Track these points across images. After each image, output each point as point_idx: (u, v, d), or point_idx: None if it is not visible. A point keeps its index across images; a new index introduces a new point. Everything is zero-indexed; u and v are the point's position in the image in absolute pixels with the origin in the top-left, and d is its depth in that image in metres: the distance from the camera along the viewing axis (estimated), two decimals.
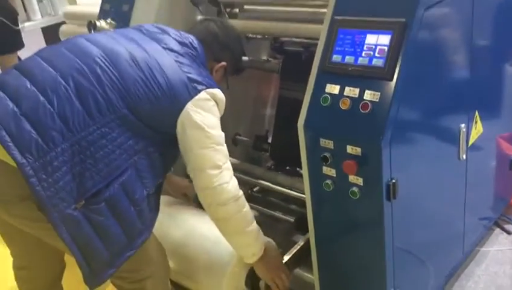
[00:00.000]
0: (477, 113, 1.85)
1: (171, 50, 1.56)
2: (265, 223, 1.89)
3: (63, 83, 1.38)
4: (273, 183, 2.28)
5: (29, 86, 1.37)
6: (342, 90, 1.45)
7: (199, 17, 2.27)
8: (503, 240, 2.32)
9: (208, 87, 1.53)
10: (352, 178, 1.47)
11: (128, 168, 1.42)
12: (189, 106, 1.49)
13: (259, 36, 2.41)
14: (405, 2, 1.40)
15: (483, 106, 1.90)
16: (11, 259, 1.72)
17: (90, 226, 1.37)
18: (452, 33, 1.62)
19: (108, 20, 2.18)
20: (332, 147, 1.48)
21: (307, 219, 1.71)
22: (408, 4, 1.38)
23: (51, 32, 4.00)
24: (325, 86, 1.48)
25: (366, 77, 1.42)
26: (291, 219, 2.22)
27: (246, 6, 2.24)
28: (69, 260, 1.73)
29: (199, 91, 1.51)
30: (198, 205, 1.72)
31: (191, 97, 1.49)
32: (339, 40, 1.48)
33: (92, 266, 1.41)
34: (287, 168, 2.49)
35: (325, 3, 1.71)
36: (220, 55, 1.75)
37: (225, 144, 1.58)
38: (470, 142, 1.85)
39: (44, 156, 1.30)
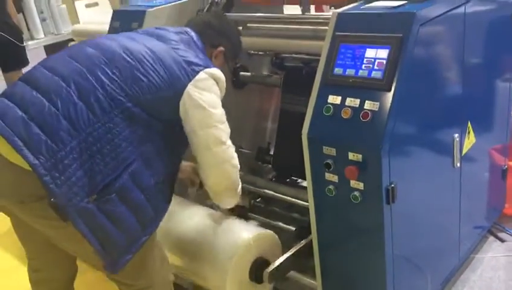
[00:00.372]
0: (469, 124, 1.95)
1: (167, 40, 1.64)
2: None
3: (65, 86, 1.46)
4: (275, 193, 2.36)
5: (34, 93, 1.46)
6: (343, 100, 1.55)
7: None
8: (497, 247, 2.41)
9: (205, 67, 1.59)
10: (353, 183, 1.56)
11: (135, 159, 1.48)
12: (190, 88, 1.55)
13: (261, 52, 2.52)
14: (402, 19, 1.51)
15: (476, 118, 2.00)
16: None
17: (105, 216, 1.44)
18: (445, 48, 1.73)
19: None
20: (334, 154, 1.57)
21: (307, 228, 1.80)
22: (404, 21, 1.49)
23: (53, 50, 4.10)
24: (328, 96, 1.58)
25: (366, 88, 1.52)
26: (293, 228, 2.29)
27: (249, 24, 2.35)
28: (79, 265, 1.82)
29: (197, 72, 1.57)
30: (203, 192, 1.83)
31: (190, 79, 1.56)
32: (340, 54, 1.58)
33: (111, 253, 1.48)
34: (288, 180, 2.58)
35: (325, 21, 1.83)
36: (217, 40, 1.81)
37: (227, 122, 1.65)
38: (464, 152, 1.95)
39: (55, 156, 1.38)
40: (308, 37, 2.11)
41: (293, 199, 2.25)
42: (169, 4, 2.30)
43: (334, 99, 1.57)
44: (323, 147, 1.58)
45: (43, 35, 4.30)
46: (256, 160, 2.66)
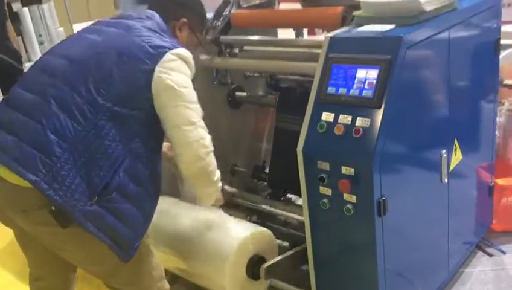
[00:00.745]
0: (456, 141, 2.05)
1: (131, 28, 1.66)
2: None
3: (44, 102, 1.53)
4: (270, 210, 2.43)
5: (20, 116, 1.54)
6: (336, 117, 1.64)
7: (201, 56, 2.48)
8: (485, 261, 2.48)
9: (171, 49, 1.61)
10: (346, 196, 1.64)
11: (126, 156, 1.54)
12: (158, 70, 1.57)
13: (256, 74, 2.63)
14: (390, 42, 1.61)
15: (462, 136, 2.10)
16: None
17: (110, 214, 1.52)
18: (431, 69, 1.84)
19: None
20: (328, 169, 1.65)
21: (301, 243, 1.87)
22: (392, 44, 1.60)
23: None
24: (321, 114, 1.67)
25: (358, 106, 1.61)
26: (286, 244, 2.36)
27: (245, 47, 2.45)
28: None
29: (163, 54, 1.59)
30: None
31: (157, 62, 1.58)
32: (333, 74, 1.68)
33: (122, 245, 1.56)
34: (282, 198, 2.66)
35: (317, 44, 1.93)
36: (178, 13, 1.81)
37: (198, 103, 1.66)
38: (451, 168, 2.04)
39: (52, 170, 1.46)
40: (302, 59, 2.20)
41: (289, 214, 2.32)
42: None
43: (328, 116, 1.66)
44: (318, 161, 1.67)
45: None
46: (252, 178, 2.74)
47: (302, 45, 2.33)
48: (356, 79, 1.64)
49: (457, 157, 2.08)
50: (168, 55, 1.60)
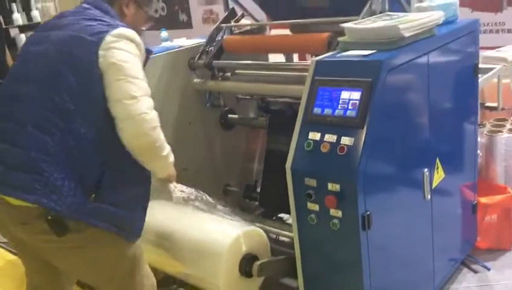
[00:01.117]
0: (438, 160, 2.14)
1: (68, 26, 1.69)
2: None
3: (19, 127, 1.61)
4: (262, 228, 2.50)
5: (2, 145, 1.64)
6: (322, 136, 1.73)
7: (195, 80, 2.58)
8: (470, 278, 2.55)
9: (109, 31, 1.62)
10: (333, 211, 1.72)
11: (107, 148, 1.61)
12: (100, 54, 1.59)
13: (248, 97, 2.73)
14: (371, 65, 1.72)
15: (444, 155, 2.19)
16: None
17: (109, 205, 1.62)
18: (412, 91, 1.95)
19: None
20: (315, 185, 1.74)
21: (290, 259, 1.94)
22: (374, 67, 1.70)
23: None
24: (308, 133, 1.76)
25: (342, 125, 1.71)
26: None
27: (237, 71, 2.56)
28: None
29: (103, 38, 1.60)
30: None
31: (99, 46, 1.60)
32: (319, 95, 1.78)
33: (125, 228, 1.69)
34: (274, 218, 2.74)
35: (305, 67, 2.04)
36: None
37: (143, 80, 1.64)
38: (434, 185, 2.13)
39: (47, 184, 1.55)
40: (291, 82, 2.31)
41: (280, 231, 2.40)
42: (165, 52, 2.50)
43: (314, 135, 1.75)
44: (305, 178, 1.75)
45: None
46: (244, 197, 2.82)
47: (291, 68, 2.44)
48: (340, 100, 1.73)
49: (439, 175, 2.17)
50: (108, 38, 1.61)
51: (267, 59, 2.86)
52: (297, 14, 2.52)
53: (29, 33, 4.53)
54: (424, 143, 2.05)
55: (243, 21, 2.68)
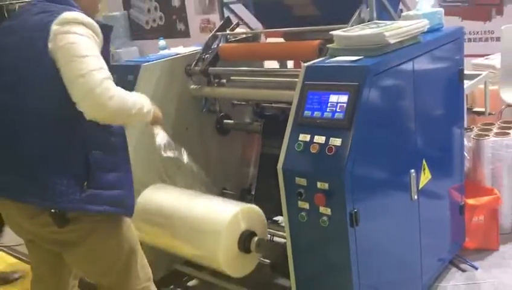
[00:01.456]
0: (424, 161, 2.24)
1: (20, 27, 1.71)
2: None
3: (14, 144, 1.70)
4: None
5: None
6: (312, 138, 1.82)
7: (192, 86, 2.67)
8: (458, 276, 2.64)
9: (54, 20, 1.61)
10: (322, 209, 1.81)
11: (85, 135, 1.69)
12: (50, 46, 1.60)
13: (243, 102, 2.83)
14: (358, 70, 1.81)
15: (430, 157, 2.28)
16: None
17: (101, 189, 1.71)
18: (397, 95, 2.04)
19: None
20: (305, 184, 1.82)
21: (281, 261, 2.03)
22: (360, 72, 1.80)
23: None
24: (299, 135, 1.86)
25: (330, 127, 1.80)
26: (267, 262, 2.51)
27: (232, 77, 2.66)
28: None
29: (49, 28, 1.61)
30: None
31: (47, 39, 1.60)
32: (309, 99, 1.87)
33: (121, 205, 1.78)
34: (269, 221, 2.81)
35: (297, 73, 2.13)
36: None
37: (94, 56, 1.61)
38: (420, 186, 2.22)
39: (42, 184, 1.65)
40: (284, 87, 2.40)
41: (275, 232, 2.49)
42: (162, 60, 2.60)
43: (304, 137, 1.84)
44: (296, 177, 1.84)
45: None
46: (240, 200, 2.89)
47: (284, 74, 2.54)
48: (329, 103, 1.83)
49: (426, 176, 2.26)
50: (53, 27, 1.61)
51: (261, 66, 2.95)
52: (291, 22, 2.63)
53: None
54: (411, 145, 2.14)
55: (238, 30, 2.78)
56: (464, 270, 2.67)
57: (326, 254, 1.91)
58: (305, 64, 1.94)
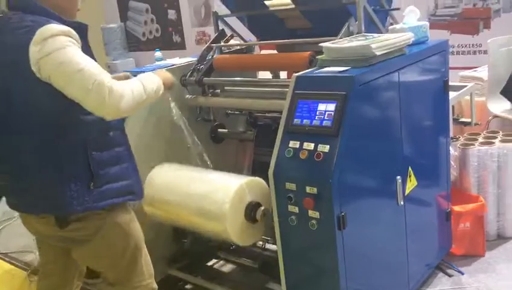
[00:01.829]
0: (410, 168, 2.32)
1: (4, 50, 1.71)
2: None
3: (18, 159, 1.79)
4: None
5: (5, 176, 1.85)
6: (301, 144, 1.91)
7: (187, 96, 2.76)
8: (445, 281, 2.71)
9: (30, 40, 1.60)
10: (311, 213, 1.89)
11: (83, 140, 1.75)
12: (39, 73, 1.62)
13: (237, 112, 2.91)
14: (345, 80, 1.90)
15: (416, 164, 2.37)
16: None
17: (108, 184, 1.81)
18: (383, 104, 2.13)
19: None
20: (295, 189, 1.90)
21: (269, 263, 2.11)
22: (347, 82, 1.89)
23: None
24: (289, 142, 1.94)
25: (319, 134, 1.88)
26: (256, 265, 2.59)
27: (226, 87, 2.74)
28: None
29: (28, 51, 1.60)
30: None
31: (30, 62, 1.61)
32: (298, 108, 1.96)
33: (130, 193, 1.90)
34: None
35: (287, 83, 2.22)
36: None
37: (86, 62, 1.62)
38: (407, 192, 2.30)
39: (53, 195, 1.75)
40: (276, 97, 2.48)
41: (267, 238, 2.55)
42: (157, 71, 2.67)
43: (294, 143, 1.93)
44: (286, 183, 1.92)
45: None
46: None
47: (276, 84, 2.62)
48: (318, 111, 1.91)
49: (412, 183, 2.34)
50: (31, 49, 1.61)
51: (255, 77, 3.04)
52: (283, 35, 2.72)
53: None
54: (397, 152, 2.23)
55: (232, 41, 2.88)
56: (450, 275, 2.75)
57: (315, 257, 1.99)
58: (296, 74, 2.03)
